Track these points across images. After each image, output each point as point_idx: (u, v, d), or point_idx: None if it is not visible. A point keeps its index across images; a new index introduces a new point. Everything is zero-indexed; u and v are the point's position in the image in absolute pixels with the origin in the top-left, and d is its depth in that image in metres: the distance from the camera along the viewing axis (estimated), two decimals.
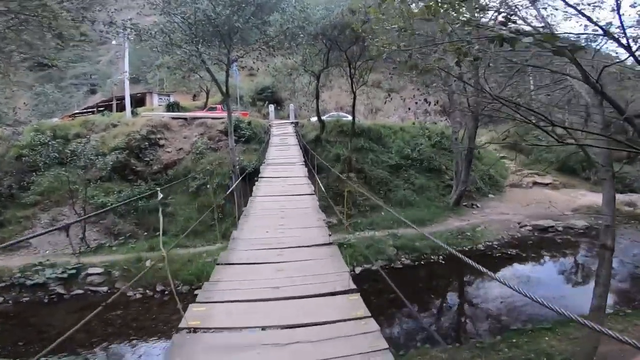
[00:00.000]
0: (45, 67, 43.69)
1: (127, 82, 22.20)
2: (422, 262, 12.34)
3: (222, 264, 4.32)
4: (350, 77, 15.64)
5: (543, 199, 17.94)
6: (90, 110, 28.44)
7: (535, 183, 19.61)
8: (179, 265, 11.71)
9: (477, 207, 16.77)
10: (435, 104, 16.15)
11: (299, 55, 15.81)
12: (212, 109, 21.03)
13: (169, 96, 27.19)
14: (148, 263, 11.54)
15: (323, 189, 7.21)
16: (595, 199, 17.35)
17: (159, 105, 25.75)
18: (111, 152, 15.33)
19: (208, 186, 14.26)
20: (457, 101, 17.62)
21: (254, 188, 8.35)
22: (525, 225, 14.85)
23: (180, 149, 15.88)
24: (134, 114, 21.14)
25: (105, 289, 10.67)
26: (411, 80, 28.78)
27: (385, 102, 27.16)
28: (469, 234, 13.82)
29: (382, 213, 15.28)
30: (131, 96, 28.20)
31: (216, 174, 14.57)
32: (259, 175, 9.58)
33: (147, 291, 10.64)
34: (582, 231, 14.60)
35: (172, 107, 21.84)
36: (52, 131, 16.27)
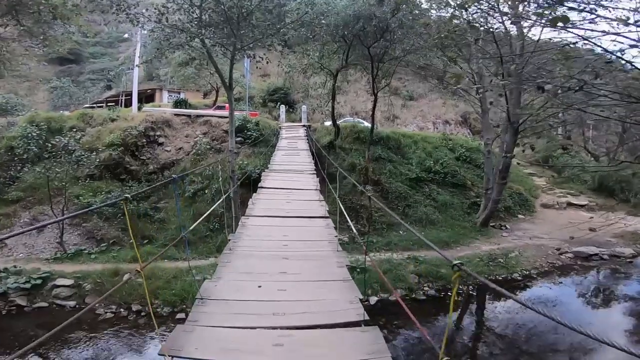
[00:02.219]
0: (65, 61, 43.58)
1: (135, 75, 20.72)
2: (450, 293, 10.19)
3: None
4: (372, 78, 13.66)
5: (579, 222, 15.66)
6: (100, 104, 27.25)
7: (569, 204, 17.26)
8: (161, 282, 9.84)
9: (507, 228, 14.56)
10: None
11: (316, 51, 13.94)
12: (220, 107, 19.33)
13: (179, 93, 25.67)
14: (126, 277, 9.77)
15: (341, 207, 5.16)
16: (638, 223, 15.10)
17: (168, 102, 24.19)
18: (105, 148, 13.66)
19: (206, 192, 12.39)
20: (488, 111, 15.58)
21: (250, 202, 6.41)
22: (566, 252, 12.62)
23: (180, 148, 14.13)
24: (140, 109, 19.62)
25: (72, 303, 8.94)
26: (435, 89, 26.81)
27: (401, 108, 25.29)
28: (501, 260, 11.63)
29: (401, 232, 13.22)
30: (140, 92, 26.90)
31: (216, 178, 12.69)
32: (259, 184, 7.62)
33: (121, 310, 8.83)
34: (630, 260, 12.26)
35: (179, 104, 20.19)
36: (46, 123, 14.70)
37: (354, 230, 5.07)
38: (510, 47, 10.34)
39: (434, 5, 12.26)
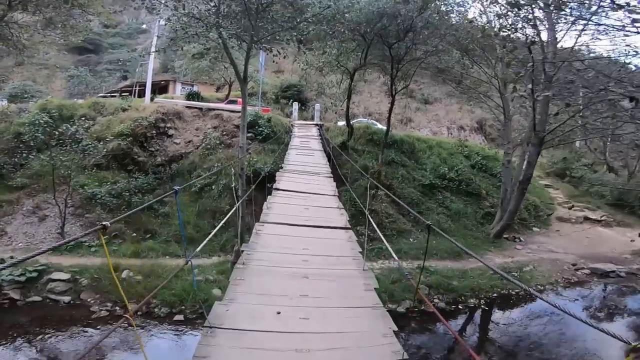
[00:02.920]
0: (85, 51, 43.78)
1: (150, 66, 20.36)
2: (460, 307, 9.63)
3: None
4: (391, 79, 13.06)
5: (596, 238, 14.93)
6: (114, 94, 27.09)
7: (586, 218, 16.48)
8: (161, 280, 9.35)
9: (521, 241, 13.90)
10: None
11: (334, 49, 13.37)
12: (233, 102, 18.89)
13: (192, 86, 25.32)
14: (125, 274, 9.38)
15: (368, 216, 4.60)
16: None
17: (181, 94, 23.87)
18: (114, 138, 13.33)
19: (213, 187, 11.96)
20: (511, 119, 14.91)
21: (265, 206, 5.90)
22: (582, 268, 11.97)
23: (190, 141, 13.72)
24: (153, 100, 19.31)
25: (67, 299, 8.52)
26: (452, 93, 26.06)
27: (415, 111, 24.61)
28: (515, 274, 11.04)
29: (411, 240, 12.65)
30: (154, 83, 26.63)
31: (225, 174, 12.25)
32: (274, 185, 7.11)
33: (116, 308, 8.37)
34: None
35: (192, 96, 19.81)
36: (58, 110, 14.43)
37: (386, 244, 4.48)
38: (543, 52, 9.69)
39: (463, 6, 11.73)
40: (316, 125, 16.30)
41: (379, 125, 18.69)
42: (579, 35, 10.28)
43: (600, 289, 10.98)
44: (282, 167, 9.27)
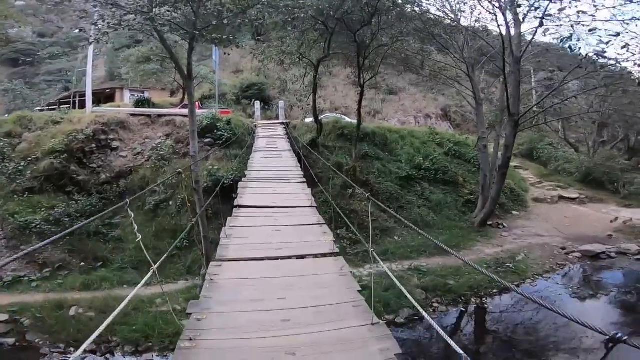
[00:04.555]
0: (20, 63, 39.34)
1: (89, 73, 17.83)
2: (463, 308, 8.65)
3: None
4: (359, 68, 11.87)
5: (574, 217, 14.67)
6: (53, 107, 24.00)
7: (561, 197, 16.26)
8: (119, 315, 7.64)
9: (505, 227, 13.27)
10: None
11: (295, 40, 11.98)
12: (187, 106, 16.91)
13: (143, 92, 22.88)
14: (73, 311, 7.77)
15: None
16: (632, 215, 14.26)
17: (130, 101, 21.42)
18: (46, 156, 11.19)
19: (170, 203, 10.24)
20: (482, 104, 14.28)
21: (223, 233, 4.39)
22: (572, 252, 11.43)
23: (138, 153, 11.81)
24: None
25: (11, 340, 7.09)
26: (415, 82, 25.47)
27: (382, 103, 23.75)
28: (510, 265, 10.28)
29: (396, 238, 11.60)
30: (99, 92, 23.93)
31: (183, 186, 10.54)
32: (235, 202, 5.57)
33: (71, 349, 6.85)
34: (638, 258, 11.16)
35: (141, 103, 17.62)
36: None
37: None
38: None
39: None
40: (282, 124, 14.81)
41: (348, 119, 17.53)
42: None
43: (593, 272, 10.44)
44: (245, 176, 7.69)
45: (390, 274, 2.77)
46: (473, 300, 8.78)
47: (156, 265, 2.57)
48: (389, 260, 10.28)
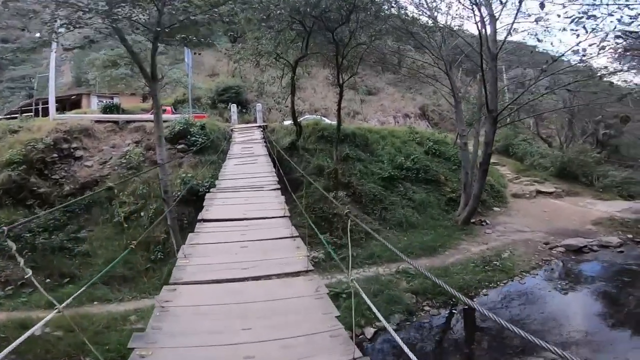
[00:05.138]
0: None
1: (52, 78, 16.62)
2: (454, 311, 8.33)
3: None
4: (338, 67, 11.46)
5: (553, 211, 14.77)
6: (14, 115, 22.35)
7: (538, 192, 16.42)
8: (90, 333, 7.15)
9: (487, 223, 13.17)
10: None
11: (271, 39, 11.45)
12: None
13: (112, 98, 21.63)
14: (39, 330, 6.96)
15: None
16: (608, 208, 14.54)
17: (98, 108, 20.20)
18: (3, 167, 10.19)
19: (142, 214, 9.47)
20: (461, 102, 14.21)
21: (181, 253, 3.81)
22: (556, 246, 11.40)
23: (105, 162, 10.92)
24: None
25: None
26: (392, 82, 25.42)
27: (361, 103, 23.50)
28: (497, 263, 10.07)
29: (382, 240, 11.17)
30: (64, 98, 22.49)
31: (155, 196, 9.79)
32: (200, 215, 4.93)
33: None
34: (621, 250, 11.25)
35: (109, 109, 16.57)
36: None
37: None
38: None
39: None
40: (259, 127, 14.17)
41: (327, 121, 17.11)
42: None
43: (578, 266, 10.40)
44: (214, 186, 7.00)
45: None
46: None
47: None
48: (375, 263, 9.91)
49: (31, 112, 20.79)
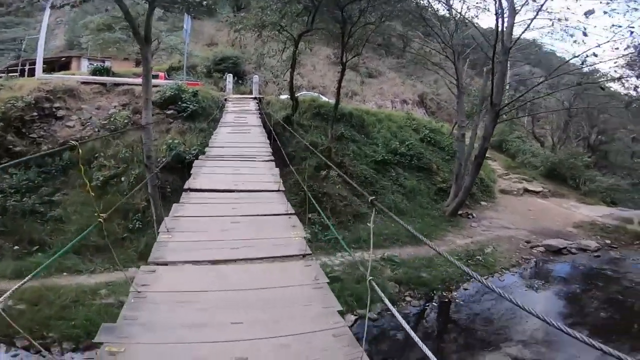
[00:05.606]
0: None
1: (42, 38, 15.59)
2: (435, 303, 8.21)
3: None
4: (342, 45, 10.90)
5: (538, 210, 14.71)
6: (0, 75, 21.13)
7: (526, 190, 16.34)
8: (56, 308, 6.75)
9: (473, 217, 13.06)
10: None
11: (276, 11, 10.77)
12: (154, 76, 15.21)
13: (103, 62, 20.53)
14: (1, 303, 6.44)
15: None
16: (591, 212, 14.55)
17: (88, 70, 19.19)
18: None
19: (122, 179, 8.98)
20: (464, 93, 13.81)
21: (163, 227, 3.39)
22: (537, 246, 11.36)
23: (87, 123, 10.27)
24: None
25: None
26: (394, 67, 24.72)
27: (360, 85, 22.85)
28: (480, 257, 9.98)
29: (368, 224, 10.94)
30: (54, 60, 21.40)
31: (137, 161, 9.28)
32: (186, 184, 4.50)
33: (2, 345, 5.87)
34: (597, 255, 11.26)
35: (99, 72, 15.67)
36: None
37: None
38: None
39: None
40: (255, 98, 13.57)
41: (325, 98, 16.54)
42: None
43: (554, 268, 10.38)
44: (204, 153, 6.54)
45: None
46: (443, 293, 8.36)
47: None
48: (361, 248, 9.67)
49: (17, 72, 19.67)
